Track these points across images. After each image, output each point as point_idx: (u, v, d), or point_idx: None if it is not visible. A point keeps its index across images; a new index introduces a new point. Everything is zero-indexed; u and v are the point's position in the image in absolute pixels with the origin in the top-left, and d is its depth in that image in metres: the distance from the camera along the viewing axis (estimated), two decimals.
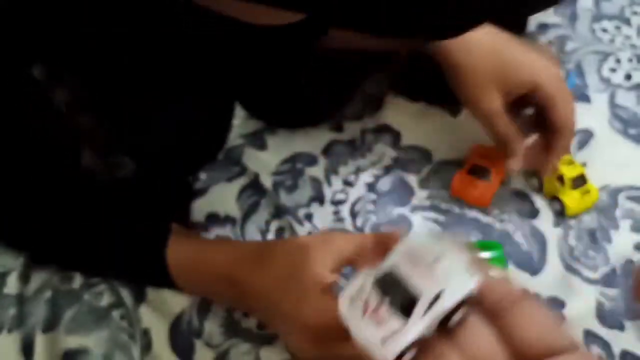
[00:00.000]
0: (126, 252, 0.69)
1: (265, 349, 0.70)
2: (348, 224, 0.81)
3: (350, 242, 0.60)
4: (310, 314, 0.55)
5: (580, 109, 0.89)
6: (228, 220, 0.80)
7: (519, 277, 0.76)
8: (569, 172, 0.80)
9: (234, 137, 0.88)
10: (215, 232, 0.79)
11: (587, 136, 0.88)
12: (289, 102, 0.77)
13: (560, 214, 0.81)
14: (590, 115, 0.90)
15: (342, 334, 0.44)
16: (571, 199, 0.79)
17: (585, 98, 0.92)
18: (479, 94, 0.73)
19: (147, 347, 0.70)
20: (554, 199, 0.81)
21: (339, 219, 0.81)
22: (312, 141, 0.88)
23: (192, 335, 0.71)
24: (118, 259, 0.70)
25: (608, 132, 0.89)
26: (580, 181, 0.80)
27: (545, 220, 0.81)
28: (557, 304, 0.74)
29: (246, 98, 0.88)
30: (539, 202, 0.83)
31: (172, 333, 0.71)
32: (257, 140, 0.88)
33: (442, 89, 0.78)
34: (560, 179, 0.80)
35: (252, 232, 0.80)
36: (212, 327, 0.71)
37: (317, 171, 0.85)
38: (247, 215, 0.81)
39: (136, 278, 0.73)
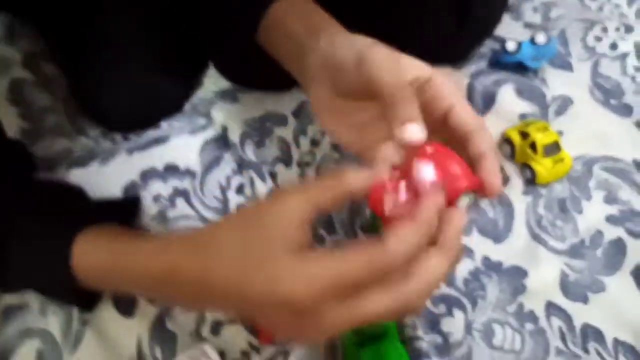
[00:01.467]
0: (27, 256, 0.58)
1: None
2: None
3: (305, 192, 0.47)
4: (289, 285, 0.42)
5: (561, 77, 0.85)
6: (187, 173, 0.75)
7: (481, 244, 0.71)
8: (542, 139, 0.74)
9: (205, 92, 0.83)
10: (173, 184, 0.74)
11: (565, 104, 0.82)
12: (261, 64, 0.71)
13: (531, 182, 0.75)
14: (571, 84, 0.84)
15: (333, 297, 0.41)
16: (543, 166, 0.74)
17: (567, 66, 0.86)
18: None
19: None
20: (525, 166, 0.76)
21: (304, 181, 0.76)
22: (283, 102, 0.82)
23: None
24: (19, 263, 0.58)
25: (588, 101, 0.83)
26: (553, 149, 0.75)
27: (514, 188, 0.76)
28: (519, 273, 0.70)
29: (218, 59, 0.82)
30: (510, 169, 0.77)
31: None
32: (228, 96, 0.82)
33: None
34: (533, 145, 0.74)
35: (212, 187, 0.75)
36: None
37: (286, 132, 0.80)
38: (208, 169, 0.76)
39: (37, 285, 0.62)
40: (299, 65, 0.58)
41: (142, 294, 0.60)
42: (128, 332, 0.66)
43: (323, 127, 0.57)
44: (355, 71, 0.50)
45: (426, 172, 0.47)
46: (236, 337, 0.65)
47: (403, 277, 0.42)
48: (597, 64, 0.87)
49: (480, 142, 0.50)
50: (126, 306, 0.67)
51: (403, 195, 0.47)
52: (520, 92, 0.83)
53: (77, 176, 0.75)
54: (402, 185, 0.47)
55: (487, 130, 0.51)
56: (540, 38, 0.82)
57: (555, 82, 0.84)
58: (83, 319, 0.66)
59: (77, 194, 0.69)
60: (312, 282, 0.41)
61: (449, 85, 0.53)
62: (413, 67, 0.52)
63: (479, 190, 0.49)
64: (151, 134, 0.78)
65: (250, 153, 0.77)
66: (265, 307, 0.44)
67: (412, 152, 0.47)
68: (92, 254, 0.55)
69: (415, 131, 0.46)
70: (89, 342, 0.65)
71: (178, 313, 0.66)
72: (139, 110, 0.79)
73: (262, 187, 0.74)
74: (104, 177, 0.75)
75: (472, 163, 0.50)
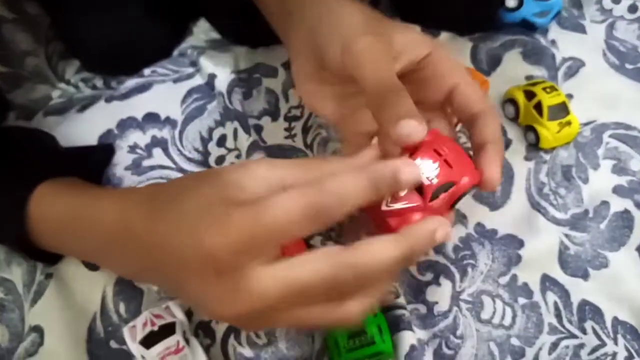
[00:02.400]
0: None
1: None
2: (299, 140, 0.70)
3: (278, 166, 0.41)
4: (209, 236, 0.35)
5: (572, 39, 0.77)
6: (168, 122, 0.69)
7: (476, 211, 0.65)
8: (548, 100, 0.67)
9: (197, 41, 0.77)
10: (152, 133, 0.68)
11: (576, 66, 0.75)
12: (253, 20, 0.65)
13: (534, 146, 0.69)
14: (583, 46, 0.77)
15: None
16: (548, 130, 0.67)
17: (580, 28, 0.78)
18: None
19: None
20: (529, 128, 0.69)
21: (290, 135, 0.70)
22: (275, 53, 0.75)
23: None
24: None
25: (601, 64, 0.76)
26: (561, 111, 0.68)
27: (516, 152, 0.69)
28: (514, 242, 0.63)
29: (210, 12, 0.77)
30: (513, 132, 0.70)
31: None
32: (219, 46, 0.76)
33: None
34: (539, 106, 0.67)
35: (193, 138, 0.69)
36: None
37: (275, 84, 0.73)
38: (189, 119, 0.70)
39: None
40: (285, 32, 0.54)
41: (92, 255, 0.54)
42: (93, 286, 0.60)
43: (301, 97, 0.51)
44: (339, 59, 0.45)
45: (427, 167, 0.41)
46: None
47: (342, 248, 0.36)
48: (612, 27, 0.79)
49: (485, 128, 0.45)
50: None
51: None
52: (528, 53, 0.76)
53: (53, 123, 0.69)
54: None
55: (494, 113, 0.46)
56: None
57: (566, 44, 0.76)
58: (47, 272, 0.61)
59: (46, 142, 0.65)
60: (229, 233, 0.35)
61: (451, 61, 0.47)
62: (408, 47, 0.46)
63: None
64: (133, 82, 0.72)
65: (237, 103, 0.70)
66: (187, 269, 0.37)
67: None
68: (48, 205, 0.51)
69: (413, 128, 0.40)
70: (51, 295, 0.60)
71: None
72: (124, 51, 0.73)
73: (245, 140, 0.68)
74: (80, 125, 0.69)
75: (474, 149, 0.45)
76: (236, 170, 0.39)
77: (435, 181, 0.41)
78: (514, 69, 0.75)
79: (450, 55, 0.47)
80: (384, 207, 0.41)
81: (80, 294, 0.60)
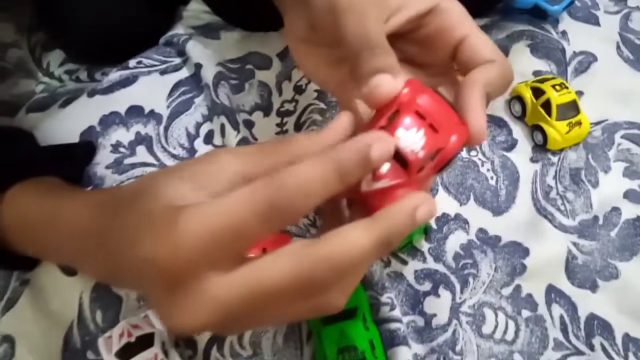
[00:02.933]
0: None
1: None
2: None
3: (240, 156, 0.36)
4: (161, 249, 0.31)
5: (584, 30, 0.72)
6: (152, 116, 0.65)
7: (478, 215, 0.60)
8: (557, 98, 0.62)
9: (185, 28, 0.72)
10: (135, 129, 0.64)
11: (588, 61, 0.70)
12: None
13: (541, 147, 0.64)
14: (595, 39, 0.72)
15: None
16: (556, 130, 0.62)
17: (593, 19, 0.73)
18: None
19: None
20: (536, 128, 0.64)
21: (282, 131, 0.66)
22: (269, 42, 0.71)
23: None
24: None
25: (614, 59, 0.71)
26: (570, 110, 0.63)
27: (522, 153, 0.65)
28: (518, 251, 0.59)
29: None
30: (519, 131, 0.66)
31: None
32: (209, 31, 0.71)
33: None
34: (547, 105, 0.62)
35: (179, 134, 0.64)
36: None
37: (268, 76, 0.69)
38: (176, 113, 0.65)
39: None
40: None
41: (67, 258, 0.49)
42: (70, 292, 0.56)
43: (295, 59, 0.47)
44: (327, 19, 0.40)
45: (410, 138, 0.35)
46: None
47: (308, 242, 0.32)
48: (627, 18, 0.74)
49: (486, 70, 0.39)
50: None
51: (385, 165, 0.35)
52: (537, 47, 0.71)
53: (35, 120, 0.65)
54: None
55: (509, 66, 0.39)
56: None
57: (577, 36, 0.72)
58: (23, 279, 0.57)
59: (22, 142, 0.60)
60: (177, 242, 0.31)
61: (458, 11, 0.41)
62: (407, 2, 0.40)
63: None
64: (117, 74, 0.68)
65: (223, 97, 0.66)
66: (143, 281, 0.33)
67: (389, 105, 0.36)
68: (22, 207, 0.48)
69: (384, 81, 0.35)
70: (25, 303, 0.56)
71: None
72: (110, 34, 0.69)
73: (234, 137, 0.63)
74: (62, 122, 0.64)
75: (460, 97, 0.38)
76: (192, 166, 0.35)
77: (421, 154, 0.35)
78: (520, 63, 0.70)
79: (457, 5, 0.41)
80: (364, 188, 0.35)
81: (57, 301, 0.56)
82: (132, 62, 0.68)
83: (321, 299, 0.34)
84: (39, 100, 0.68)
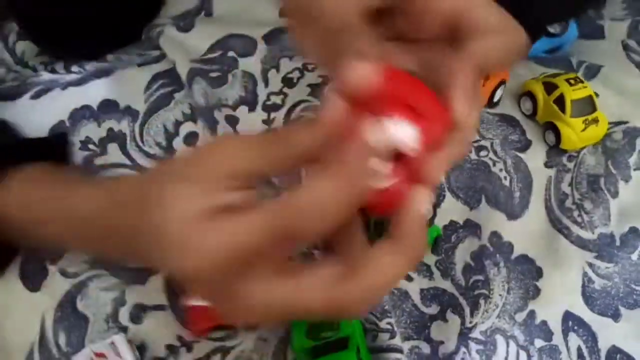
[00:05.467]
0: None
1: (133, 289, 0.49)
2: None
3: (246, 146, 0.34)
4: (177, 260, 0.32)
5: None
6: (128, 112, 0.57)
7: (491, 218, 0.54)
8: (572, 93, 0.55)
9: (162, 17, 0.64)
10: (108, 125, 0.56)
11: (596, 67, 0.63)
12: None
13: (556, 148, 0.56)
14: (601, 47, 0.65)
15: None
16: (571, 128, 0.55)
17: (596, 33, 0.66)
18: None
19: None
20: (549, 126, 0.57)
21: (270, 129, 0.57)
22: (253, 24, 0.62)
23: (47, 260, 0.50)
24: None
25: (624, 65, 0.64)
26: (586, 106, 0.56)
27: (536, 156, 0.57)
28: (531, 270, 0.51)
29: None
30: (533, 132, 0.58)
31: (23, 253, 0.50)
32: (183, 20, 0.62)
33: None
34: (560, 101, 0.55)
35: (156, 133, 0.56)
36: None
37: (253, 64, 0.60)
38: (153, 109, 0.57)
39: None
40: None
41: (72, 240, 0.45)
42: (32, 311, 0.48)
43: (287, 25, 0.41)
44: None
45: (405, 133, 0.33)
46: (162, 327, 0.48)
47: (343, 275, 0.32)
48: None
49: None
50: (33, 277, 0.49)
51: (384, 166, 0.33)
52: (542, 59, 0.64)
53: (2, 109, 0.56)
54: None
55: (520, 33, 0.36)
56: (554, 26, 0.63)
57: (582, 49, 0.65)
58: None
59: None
60: (204, 255, 0.31)
61: None
62: None
63: None
64: (92, 66, 0.60)
65: (198, 96, 0.57)
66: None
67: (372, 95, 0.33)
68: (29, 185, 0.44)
69: (359, 71, 0.32)
70: None
71: (93, 290, 0.49)
72: (84, 27, 0.61)
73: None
74: (32, 114, 0.56)
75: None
76: (196, 161, 0.34)
77: (417, 147, 0.34)
78: (530, 68, 0.63)
79: None
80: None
81: (16, 320, 0.48)
82: (110, 57, 0.60)
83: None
84: (8, 89, 0.59)
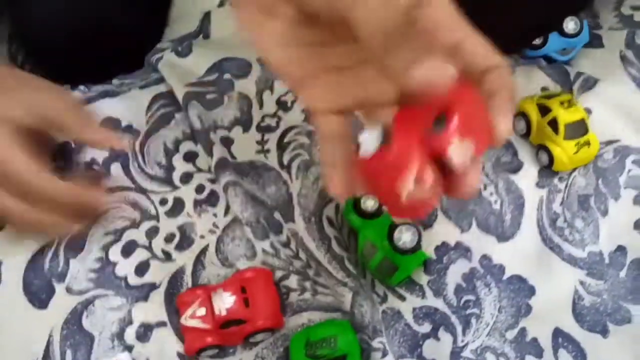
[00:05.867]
0: None
1: (140, 306, 0.50)
2: (273, 157, 0.57)
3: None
4: None
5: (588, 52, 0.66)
6: (129, 130, 0.58)
7: (481, 241, 0.55)
8: (565, 116, 0.56)
9: (164, 41, 0.66)
10: None
11: (594, 79, 0.63)
12: None
13: (548, 169, 0.58)
14: (600, 57, 0.65)
15: None
16: (564, 150, 0.56)
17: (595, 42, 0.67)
18: None
19: None
20: (542, 148, 0.58)
21: (263, 150, 0.58)
22: (249, 46, 0.63)
23: (53, 276, 0.51)
24: None
25: (622, 78, 0.64)
26: (579, 129, 0.57)
27: (527, 177, 0.58)
28: (524, 289, 0.53)
29: None
30: (525, 152, 0.59)
31: (28, 270, 0.51)
32: (181, 45, 0.63)
33: None
34: (554, 123, 0.56)
35: (155, 152, 0.57)
36: (79, 268, 0.51)
37: (248, 85, 0.61)
38: (154, 128, 0.58)
39: None
40: None
41: None
42: (39, 327, 0.50)
43: (241, 25, 0.38)
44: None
45: (462, 143, 0.30)
46: (166, 344, 0.49)
47: None
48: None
49: (497, 78, 0.33)
50: (40, 293, 0.51)
51: (429, 174, 0.30)
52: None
53: None
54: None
55: (508, 68, 0.34)
56: (571, 25, 0.64)
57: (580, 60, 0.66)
58: None
59: None
60: None
61: (448, 11, 0.34)
62: None
63: None
64: (100, 87, 0.61)
65: (194, 119, 0.58)
66: None
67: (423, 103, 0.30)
68: None
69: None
70: None
71: (99, 307, 0.50)
72: (87, 48, 0.62)
73: (204, 161, 0.56)
74: None
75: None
76: None
77: (467, 163, 0.31)
78: (528, 76, 0.64)
79: (448, 4, 0.34)
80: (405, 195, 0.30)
81: (23, 338, 0.49)
82: (115, 81, 0.61)
83: None
84: None
